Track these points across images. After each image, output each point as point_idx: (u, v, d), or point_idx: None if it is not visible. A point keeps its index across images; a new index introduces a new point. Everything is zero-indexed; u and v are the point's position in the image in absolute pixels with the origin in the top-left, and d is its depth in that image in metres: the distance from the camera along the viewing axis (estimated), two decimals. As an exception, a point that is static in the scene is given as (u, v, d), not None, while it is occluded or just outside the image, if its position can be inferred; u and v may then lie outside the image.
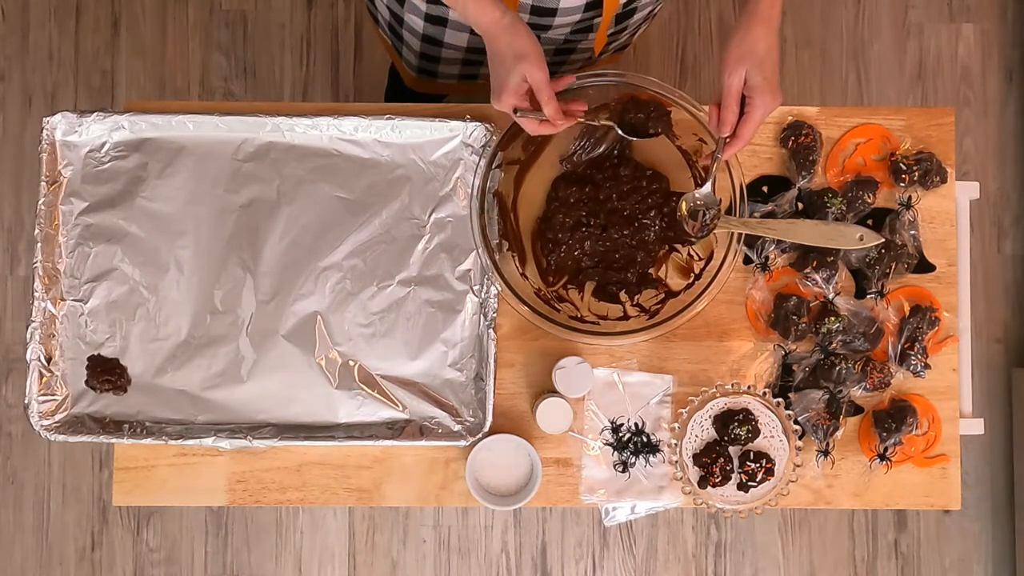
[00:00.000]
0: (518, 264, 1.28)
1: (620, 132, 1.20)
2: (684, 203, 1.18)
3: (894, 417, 1.27)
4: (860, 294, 1.31)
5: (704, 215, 1.18)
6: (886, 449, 1.27)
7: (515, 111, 1.09)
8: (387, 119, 1.29)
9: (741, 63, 1.06)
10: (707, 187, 1.17)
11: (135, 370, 1.26)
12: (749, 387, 1.24)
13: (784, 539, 2.16)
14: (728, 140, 1.10)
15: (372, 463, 1.29)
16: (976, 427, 1.33)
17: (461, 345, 1.28)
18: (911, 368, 1.29)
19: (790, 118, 1.34)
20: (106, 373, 1.25)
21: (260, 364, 1.27)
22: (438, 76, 1.46)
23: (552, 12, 1.16)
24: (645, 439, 1.29)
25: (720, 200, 1.18)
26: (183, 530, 2.12)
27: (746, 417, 1.22)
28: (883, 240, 1.22)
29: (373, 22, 1.50)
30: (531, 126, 1.10)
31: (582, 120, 1.13)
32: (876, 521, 2.17)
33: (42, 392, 1.25)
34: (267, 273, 1.28)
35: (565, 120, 1.09)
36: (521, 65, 1.06)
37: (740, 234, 1.20)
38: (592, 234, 1.27)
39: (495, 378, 1.26)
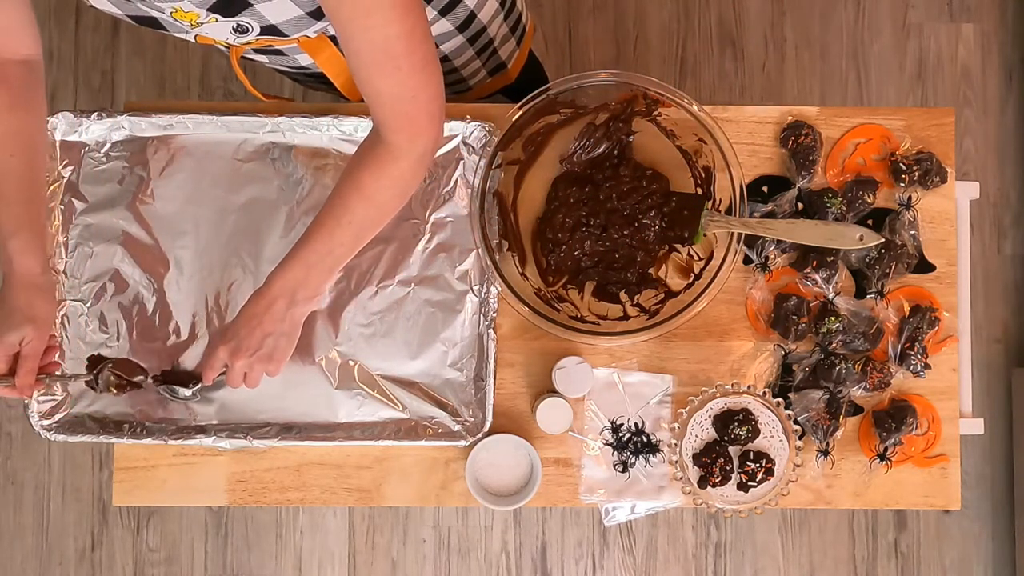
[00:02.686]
0: (518, 264, 1.28)
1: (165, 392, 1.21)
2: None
3: (894, 417, 1.27)
4: (860, 294, 1.31)
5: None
6: (886, 449, 1.27)
7: None
8: (387, 119, 1.29)
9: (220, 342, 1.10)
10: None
11: (135, 370, 1.26)
12: (749, 387, 1.24)
13: (784, 539, 2.16)
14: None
15: (372, 463, 1.29)
16: (976, 427, 1.33)
17: (461, 345, 1.28)
18: (911, 368, 1.29)
19: (790, 118, 1.34)
20: (106, 373, 1.25)
21: (260, 364, 1.27)
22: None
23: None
24: (645, 439, 1.29)
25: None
26: (183, 530, 2.12)
27: (746, 417, 1.22)
28: (883, 240, 1.22)
29: None
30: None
31: (60, 380, 1.15)
32: (876, 521, 2.17)
33: (42, 392, 1.25)
34: (267, 273, 1.28)
35: (32, 392, 1.08)
36: (27, 328, 1.04)
37: (740, 234, 1.20)
38: (592, 234, 1.27)
39: (495, 378, 1.26)
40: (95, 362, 1.26)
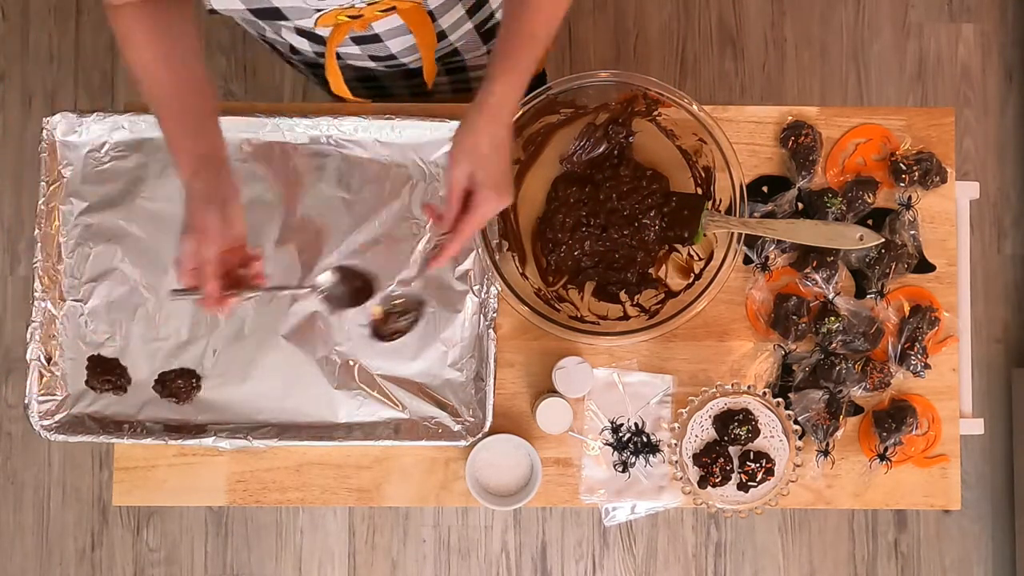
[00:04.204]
0: (518, 264, 1.28)
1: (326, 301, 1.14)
2: (379, 307, 1.15)
3: (894, 417, 1.27)
4: (860, 294, 1.31)
5: (399, 319, 1.15)
6: (886, 449, 1.27)
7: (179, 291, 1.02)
8: (387, 119, 1.29)
9: (464, 160, 1.01)
10: (413, 287, 1.18)
11: (135, 370, 1.26)
12: (749, 387, 1.24)
13: (784, 539, 2.16)
14: (448, 235, 1.04)
15: (372, 463, 1.29)
16: (976, 427, 1.33)
17: (461, 345, 1.28)
18: (911, 368, 1.29)
19: (790, 118, 1.34)
20: (106, 373, 1.25)
21: (260, 364, 1.26)
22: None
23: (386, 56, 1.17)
24: (645, 439, 1.29)
25: (421, 306, 1.15)
26: (183, 530, 2.12)
27: (746, 417, 1.22)
28: (883, 240, 1.22)
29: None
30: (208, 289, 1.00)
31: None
32: (876, 521, 2.17)
33: (42, 392, 1.25)
34: (267, 273, 1.28)
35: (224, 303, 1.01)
36: (228, 206, 1.01)
37: (740, 234, 1.20)
38: (592, 234, 1.27)
39: (495, 378, 1.26)
40: (93, 364, 1.25)
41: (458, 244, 1.04)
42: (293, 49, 1.24)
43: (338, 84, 1.24)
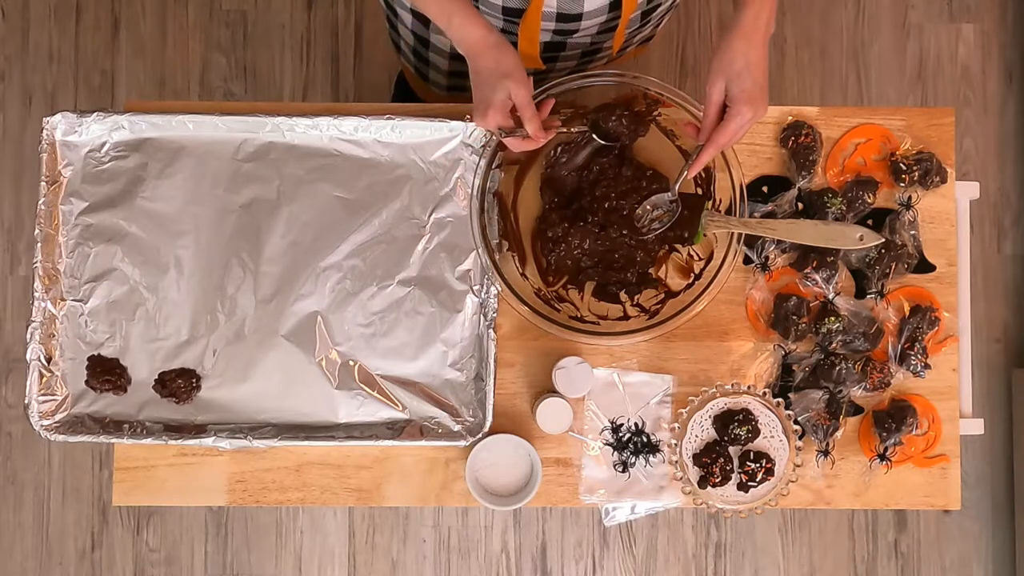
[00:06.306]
0: (518, 264, 1.28)
1: (596, 138, 1.25)
2: (641, 208, 1.23)
3: (894, 417, 1.27)
4: (860, 294, 1.31)
5: (650, 214, 1.23)
6: (886, 449, 1.27)
7: (499, 131, 1.12)
8: (387, 119, 1.29)
9: (719, 76, 1.10)
10: (664, 195, 1.22)
11: (135, 370, 1.26)
12: (749, 387, 1.24)
13: (784, 539, 2.16)
14: (703, 146, 1.13)
15: (372, 463, 1.29)
16: (976, 427, 1.33)
17: (461, 345, 1.28)
18: (911, 368, 1.29)
19: (790, 118, 1.34)
20: (106, 373, 1.25)
21: (260, 364, 1.27)
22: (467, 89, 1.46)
23: (578, 17, 1.17)
24: (645, 439, 1.29)
25: (672, 201, 1.21)
26: (183, 530, 2.12)
27: (746, 417, 1.22)
28: (883, 240, 1.22)
29: (395, 50, 1.52)
30: (515, 144, 1.13)
31: (562, 131, 1.18)
32: (876, 521, 2.17)
33: (42, 392, 1.25)
34: (267, 273, 1.28)
35: (545, 136, 1.13)
36: (506, 82, 1.09)
37: (740, 234, 1.20)
38: (591, 232, 1.27)
39: (495, 378, 1.26)
40: (93, 364, 1.25)
41: (711, 152, 1.13)
42: None
43: (537, 51, 1.23)
